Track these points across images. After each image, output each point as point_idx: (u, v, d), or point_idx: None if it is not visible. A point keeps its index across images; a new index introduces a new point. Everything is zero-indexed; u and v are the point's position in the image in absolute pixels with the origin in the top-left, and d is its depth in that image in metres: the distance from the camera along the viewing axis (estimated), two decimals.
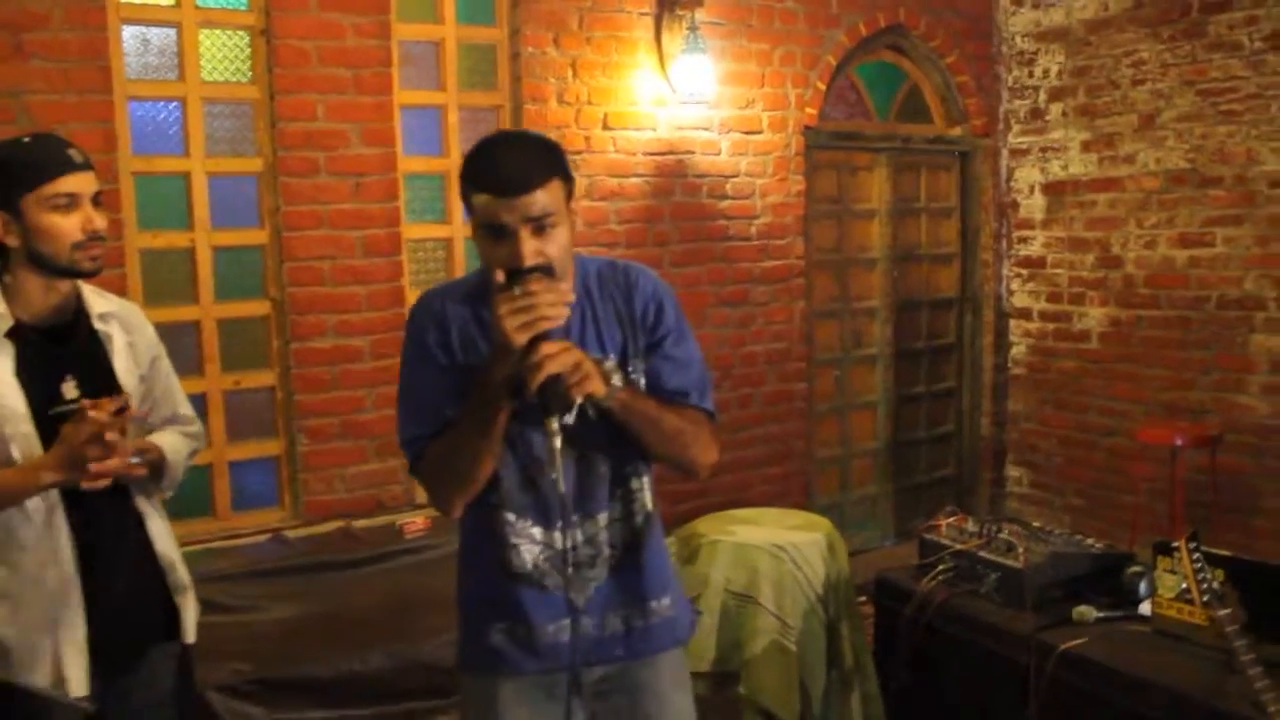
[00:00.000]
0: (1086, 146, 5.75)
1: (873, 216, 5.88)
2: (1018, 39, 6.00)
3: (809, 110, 5.39)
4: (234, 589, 3.79)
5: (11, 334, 2.20)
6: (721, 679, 3.64)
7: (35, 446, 2.17)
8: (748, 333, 5.34)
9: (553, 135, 4.64)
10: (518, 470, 2.06)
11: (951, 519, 3.90)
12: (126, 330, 2.41)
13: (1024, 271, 6.12)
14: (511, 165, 1.90)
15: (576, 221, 1.95)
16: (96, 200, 2.25)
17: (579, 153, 4.76)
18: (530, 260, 1.87)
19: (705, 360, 2.23)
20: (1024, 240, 6.10)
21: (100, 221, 2.24)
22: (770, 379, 5.45)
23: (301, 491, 4.31)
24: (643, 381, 2.11)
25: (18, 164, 2.18)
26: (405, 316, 4.36)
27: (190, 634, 2.48)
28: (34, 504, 2.17)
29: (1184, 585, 3.15)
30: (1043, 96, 5.93)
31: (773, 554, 3.58)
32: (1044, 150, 5.95)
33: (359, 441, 4.39)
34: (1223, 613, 2.88)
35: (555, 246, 1.91)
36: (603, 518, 2.10)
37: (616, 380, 2.01)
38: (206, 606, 3.60)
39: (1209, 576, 2.93)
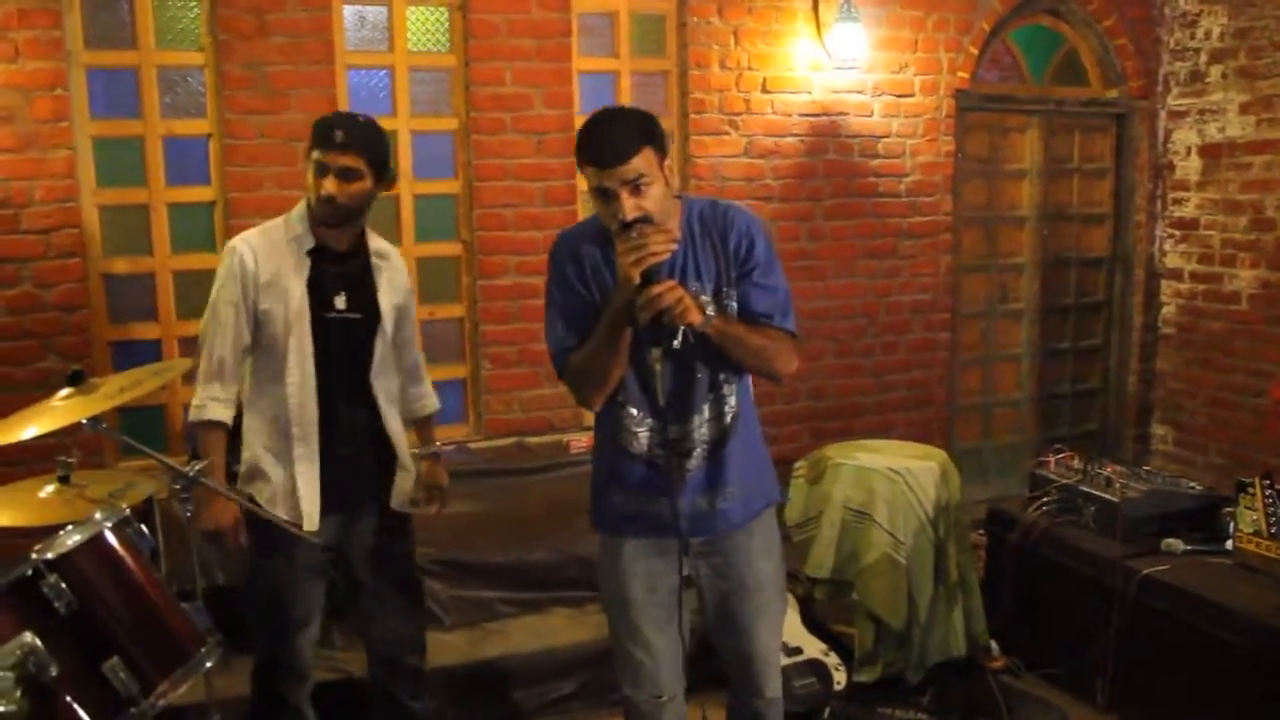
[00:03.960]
0: (1245, 109, 5.84)
1: (1023, 176, 6.12)
2: (1181, 0, 6.10)
3: (961, 74, 5.68)
4: None
5: (311, 252, 2.94)
6: (838, 586, 4.09)
7: (307, 340, 2.91)
8: (894, 283, 5.72)
9: (714, 98, 5.18)
10: (637, 377, 2.59)
11: (1060, 456, 4.25)
12: (390, 268, 3.10)
13: (1177, 233, 6.25)
14: (608, 141, 2.39)
15: (673, 178, 2.46)
16: (342, 173, 2.84)
17: (739, 114, 5.23)
18: (630, 215, 2.36)
19: (791, 290, 2.69)
20: (1178, 202, 6.23)
21: (327, 188, 2.84)
22: (915, 327, 5.81)
23: (483, 410, 4.97)
24: (734, 305, 2.57)
25: (312, 132, 2.89)
26: None
27: (395, 500, 3.12)
28: (294, 381, 2.91)
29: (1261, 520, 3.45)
30: (1203, 58, 6.02)
31: (889, 476, 3.99)
32: (1202, 112, 6.05)
33: (534, 368, 5.00)
34: None
35: (650, 201, 2.39)
36: (697, 418, 2.61)
37: (711, 311, 2.48)
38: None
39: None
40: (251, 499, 2.94)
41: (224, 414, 2.94)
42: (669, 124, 5.23)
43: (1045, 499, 4.13)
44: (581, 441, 4.89)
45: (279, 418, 2.95)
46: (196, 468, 2.70)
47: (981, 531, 4.51)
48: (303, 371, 2.92)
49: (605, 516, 2.74)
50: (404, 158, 4.79)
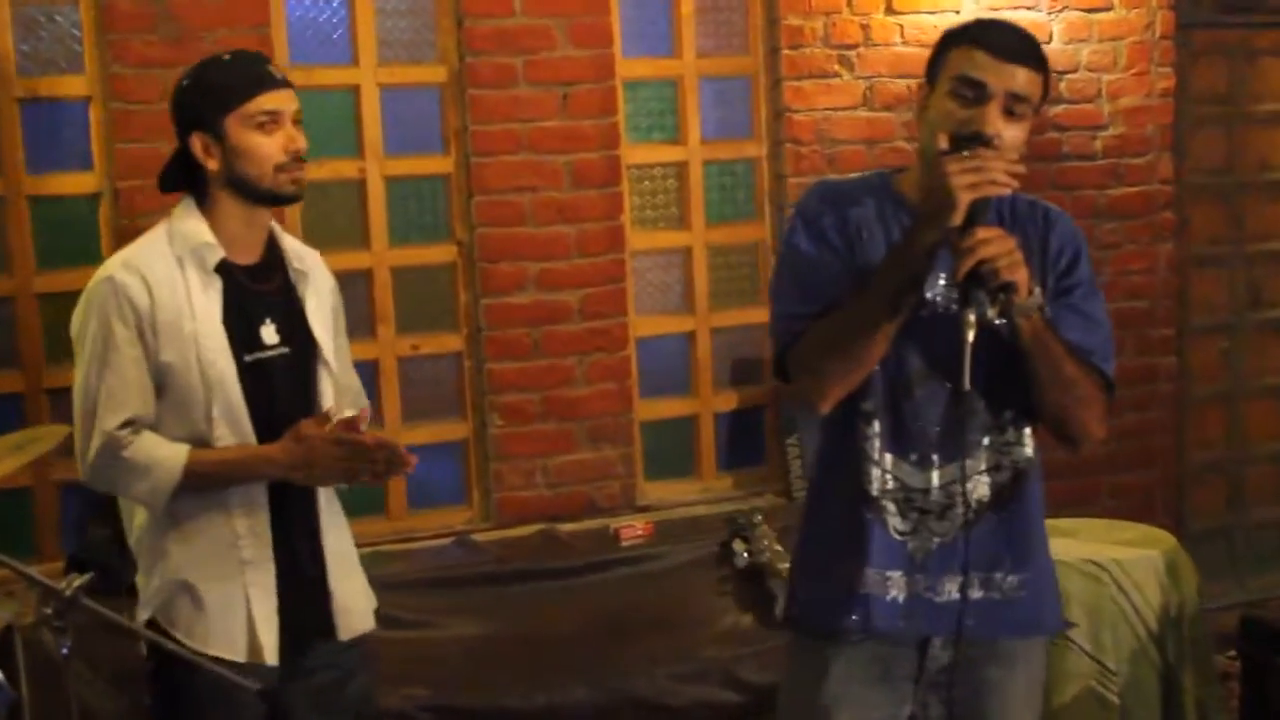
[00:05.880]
0: None
1: None
2: None
3: None
4: (409, 601, 4.47)
5: (220, 269, 2.92)
6: None
7: (235, 395, 2.89)
8: None
9: (818, 25, 5.19)
10: (884, 385, 2.61)
11: None
12: (313, 272, 3.12)
13: None
14: (1018, 36, 2.56)
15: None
16: (297, 120, 2.93)
17: (854, 47, 5.21)
18: (990, 131, 2.42)
19: None
20: None
21: (302, 141, 2.93)
22: (1124, 350, 5.69)
23: (493, 486, 4.96)
24: None
25: (219, 82, 2.90)
26: (625, 264, 4.99)
27: (343, 625, 3.08)
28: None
29: None
30: None
31: (1087, 573, 3.91)
32: None
33: (566, 424, 5.00)
34: None
35: (1013, 138, 2.47)
36: (968, 465, 2.61)
37: (1038, 295, 2.46)
38: (377, 620, 4.32)
39: None
40: (164, 633, 2.89)
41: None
42: (752, 64, 5.23)
43: None
44: (637, 528, 4.85)
45: (213, 516, 2.92)
46: (76, 583, 2.70)
47: (1233, 653, 4.44)
48: (240, 441, 2.92)
49: (814, 606, 2.76)
50: (369, 124, 4.81)
